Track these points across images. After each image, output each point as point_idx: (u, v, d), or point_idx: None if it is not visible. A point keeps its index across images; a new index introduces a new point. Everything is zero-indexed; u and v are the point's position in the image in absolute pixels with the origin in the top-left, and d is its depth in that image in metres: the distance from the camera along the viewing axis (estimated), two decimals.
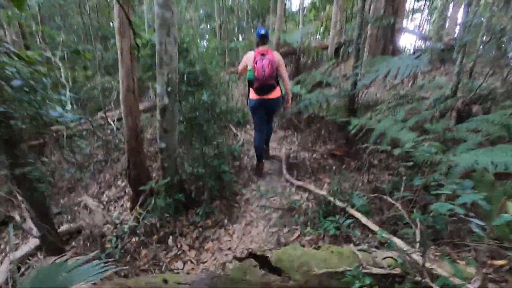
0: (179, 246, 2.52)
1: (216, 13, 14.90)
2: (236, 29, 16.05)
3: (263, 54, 3.18)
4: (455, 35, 7.16)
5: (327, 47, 7.44)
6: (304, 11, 9.25)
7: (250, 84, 3.38)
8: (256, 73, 3.15)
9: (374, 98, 4.89)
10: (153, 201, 2.56)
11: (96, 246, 2.61)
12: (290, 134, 5.27)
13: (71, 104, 5.95)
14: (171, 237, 2.61)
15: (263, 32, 3.24)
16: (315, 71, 5.78)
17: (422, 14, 10.07)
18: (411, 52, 8.50)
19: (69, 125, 2.86)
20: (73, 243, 2.74)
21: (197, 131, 3.10)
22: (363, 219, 2.34)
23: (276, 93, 3.35)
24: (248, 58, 3.32)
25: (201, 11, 16.79)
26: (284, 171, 3.73)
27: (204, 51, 5.81)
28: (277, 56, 3.27)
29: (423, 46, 8.58)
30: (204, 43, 15.70)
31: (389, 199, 2.37)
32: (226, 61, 9.15)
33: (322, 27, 8.92)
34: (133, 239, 2.65)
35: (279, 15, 6.98)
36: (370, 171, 3.55)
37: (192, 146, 3.20)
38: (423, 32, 10.16)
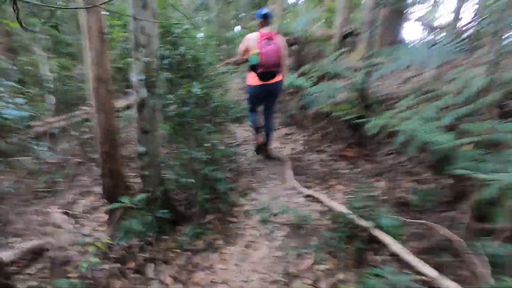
0: (161, 278, 1.99)
1: (213, 1, 14.21)
2: (233, 20, 15.38)
3: (268, 38, 3.01)
4: (470, 23, 6.60)
5: (332, 37, 6.87)
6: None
7: (253, 68, 3.14)
8: (263, 58, 2.98)
9: (387, 92, 4.36)
10: (128, 222, 2.03)
11: (58, 275, 2.09)
12: (294, 132, 4.74)
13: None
14: (152, 265, 2.08)
15: (265, 11, 3.08)
16: (321, 61, 5.23)
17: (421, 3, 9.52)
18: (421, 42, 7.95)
19: (18, 124, 2.29)
20: (30, 269, 2.20)
21: (186, 131, 2.56)
22: (396, 247, 1.82)
23: (278, 77, 3.25)
24: (251, 41, 3.10)
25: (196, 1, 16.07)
26: (290, 176, 3.21)
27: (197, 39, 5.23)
28: (281, 42, 3.14)
29: (432, 37, 8.02)
30: (201, 34, 15.03)
31: (429, 223, 1.85)
32: (223, 52, 8.55)
33: (326, 15, 8.34)
34: (105, 267, 2.12)
35: (279, 2, 6.39)
36: (392, 177, 3.05)
37: (179, 149, 2.66)
38: (428, 21, 9.63)
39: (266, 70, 3.08)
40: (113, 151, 2.39)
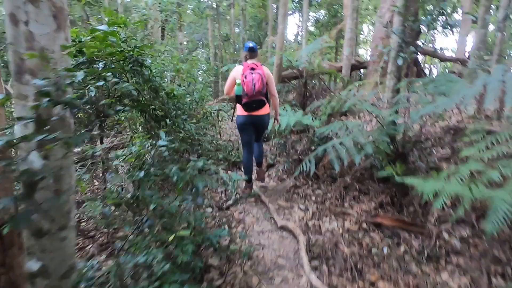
0: None
1: (210, 40, 14.05)
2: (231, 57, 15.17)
3: (252, 68, 3.00)
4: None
5: (339, 69, 6.17)
6: (303, 34, 8.17)
7: (238, 99, 3.11)
8: (245, 87, 2.97)
9: (426, 132, 3.47)
10: None
11: None
12: (304, 184, 3.74)
13: None
14: None
15: (251, 45, 3.16)
16: (331, 96, 4.40)
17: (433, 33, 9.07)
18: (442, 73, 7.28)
19: None
20: None
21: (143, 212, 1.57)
22: None
23: (265, 110, 3.20)
24: (237, 72, 3.10)
25: (195, 38, 16.01)
26: (305, 265, 2.15)
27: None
28: (266, 71, 3.13)
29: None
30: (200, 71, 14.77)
31: None
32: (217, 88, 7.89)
33: (331, 45, 7.79)
34: None
35: (280, 33, 5.77)
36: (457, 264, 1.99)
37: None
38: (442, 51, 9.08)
39: (250, 99, 3.01)
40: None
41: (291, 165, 4.21)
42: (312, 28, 16.10)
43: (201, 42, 15.81)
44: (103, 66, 1.93)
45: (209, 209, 3.13)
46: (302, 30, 15.68)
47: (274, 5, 11.49)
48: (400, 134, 2.78)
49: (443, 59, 8.02)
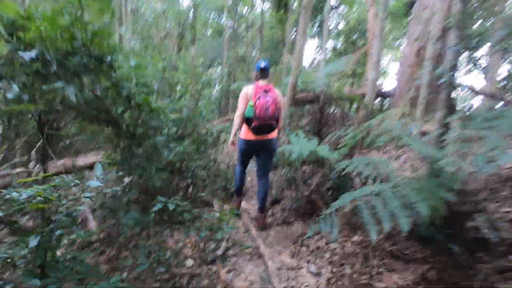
0: None
1: (224, 59, 13.79)
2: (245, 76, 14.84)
3: (266, 91, 2.79)
4: None
5: (362, 95, 5.49)
6: (326, 55, 7.61)
7: (248, 122, 2.91)
8: (258, 110, 2.73)
9: (478, 184, 2.68)
10: None
11: None
12: (316, 233, 2.94)
13: None
14: None
15: (263, 65, 2.94)
16: (357, 125, 3.68)
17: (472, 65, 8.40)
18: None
19: None
20: None
21: None
22: None
23: (275, 133, 3.02)
24: (249, 93, 2.88)
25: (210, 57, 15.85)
26: None
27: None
28: (279, 94, 2.95)
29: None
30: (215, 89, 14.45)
31: None
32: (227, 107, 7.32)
33: (353, 68, 7.19)
34: None
35: (298, 50, 5.18)
36: None
37: None
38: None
39: (261, 123, 2.81)
40: None
41: (300, 204, 3.43)
42: (328, 56, 15.74)
43: (217, 61, 15.58)
44: (35, 56, 1.28)
45: (190, 262, 2.36)
46: (320, 55, 15.35)
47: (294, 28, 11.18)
48: (457, 186, 2.00)
49: (476, 91, 7.27)
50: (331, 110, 5.20)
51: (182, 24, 8.70)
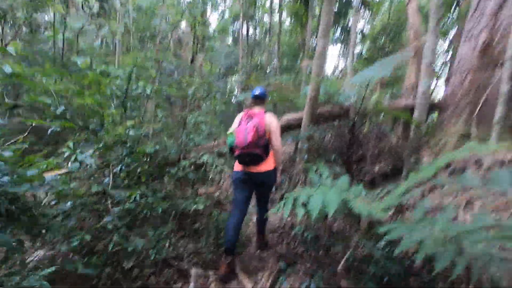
0: None
1: (240, 67, 12.81)
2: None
3: (250, 116, 2.54)
4: None
5: (408, 109, 4.12)
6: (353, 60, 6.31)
7: (231, 151, 2.60)
8: (236, 138, 2.48)
9: None
10: None
11: None
12: None
13: None
14: None
15: (257, 92, 2.70)
16: (409, 161, 2.39)
17: None
18: None
19: None
20: None
21: None
22: None
23: (265, 166, 2.54)
24: (234, 123, 2.67)
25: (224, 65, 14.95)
26: None
27: None
28: (268, 119, 2.55)
29: None
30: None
31: None
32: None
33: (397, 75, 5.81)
34: None
35: (320, 52, 3.95)
36: None
37: None
38: None
39: (243, 152, 2.44)
40: None
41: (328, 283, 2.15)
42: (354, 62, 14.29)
43: (232, 68, 14.63)
44: None
45: None
46: (343, 61, 14.01)
47: (315, 34, 9.96)
48: None
49: None
50: (365, 128, 3.88)
51: (193, 28, 7.79)
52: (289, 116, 4.48)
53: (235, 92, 14.58)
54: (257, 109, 2.60)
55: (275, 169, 2.60)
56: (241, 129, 2.44)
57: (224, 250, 2.46)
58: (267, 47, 13.85)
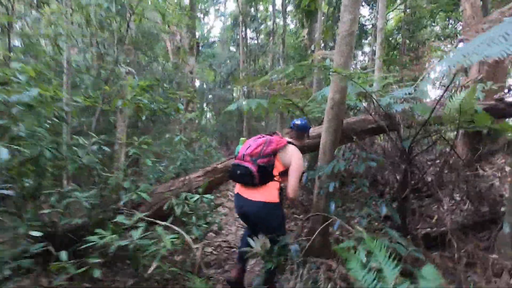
0: None
1: (241, 73, 11.55)
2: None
3: (270, 135, 2.24)
4: None
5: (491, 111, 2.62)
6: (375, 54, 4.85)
7: None
8: (242, 146, 2.23)
9: None
10: None
11: None
12: None
13: None
14: None
15: (297, 122, 2.41)
16: None
17: None
18: None
19: None
20: None
21: None
22: None
23: (260, 194, 2.05)
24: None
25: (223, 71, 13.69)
26: None
27: None
28: (290, 150, 2.16)
29: None
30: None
31: None
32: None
33: None
34: None
35: (346, 31, 2.51)
36: None
37: None
38: None
39: (235, 163, 2.16)
40: None
41: None
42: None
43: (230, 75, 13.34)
44: None
45: None
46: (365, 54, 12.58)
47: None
48: None
49: None
50: (437, 151, 2.39)
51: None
52: None
53: (239, 101, 13.27)
54: (275, 134, 2.28)
55: (276, 206, 2.07)
56: (250, 140, 2.24)
57: (237, 257, 2.49)
58: (271, 49, 12.52)
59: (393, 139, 2.40)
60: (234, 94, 15.35)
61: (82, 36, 2.95)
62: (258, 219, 2.07)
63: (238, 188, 2.19)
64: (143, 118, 2.28)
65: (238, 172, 2.08)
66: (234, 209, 5.54)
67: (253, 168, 2.02)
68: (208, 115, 18.20)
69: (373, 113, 2.61)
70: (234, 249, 3.36)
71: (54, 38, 2.99)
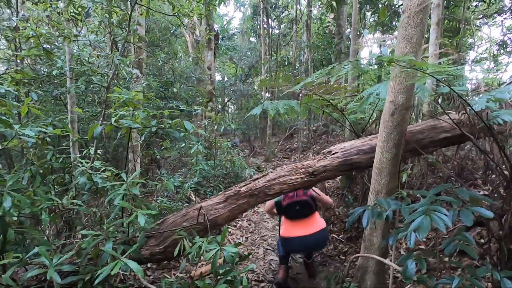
0: None
1: (262, 66, 10.84)
2: None
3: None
4: None
5: None
6: None
7: (279, 208, 2.64)
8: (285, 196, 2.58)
9: None
10: None
11: None
12: None
13: None
14: None
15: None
16: None
17: None
18: None
19: None
20: None
21: None
22: None
23: (317, 223, 2.52)
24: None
25: (244, 64, 13.00)
26: None
27: None
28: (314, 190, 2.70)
29: None
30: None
31: None
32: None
33: None
34: None
35: (413, 9, 1.78)
36: None
37: None
38: None
39: (292, 199, 2.57)
40: None
41: None
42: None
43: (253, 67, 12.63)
44: None
45: None
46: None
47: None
48: None
49: None
50: None
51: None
52: (347, 146, 2.34)
53: (262, 96, 12.56)
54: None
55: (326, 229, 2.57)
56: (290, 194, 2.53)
57: (279, 259, 2.73)
58: (294, 38, 11.66)
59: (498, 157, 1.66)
60: (256, 88, 14.66)
61: (74, 37, 2.42)
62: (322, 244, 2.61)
63: (291, 229, 2.49)
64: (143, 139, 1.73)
65: (299, 208, 2.51)
66: (258, 224, 4.69)
67: (307, 198, 2.56)
68: (230, 109, 17.70)
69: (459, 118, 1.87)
70: (264, 285, 2.79)
71: (49, 38, 2.49)
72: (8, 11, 3.69)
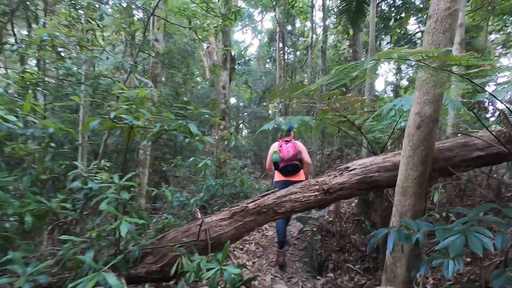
0: None
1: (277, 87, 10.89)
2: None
3: (286, 141, 3.50)
4: None
5: None
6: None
7: (276, 166, 3.55)
8: (281, 154, 3.42)
9: None
10: None
11: None
12: None
13: None
14: None
15: (288, 127, 3.53)
16: None
17: None
18: None
19: None
20: None
21: None
22: None
23: (300, 176, 3.48)
24: (273, 147, 3.61)
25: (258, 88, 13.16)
26: None
27: None
28: (299, 144, 3.54)
29: None
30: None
31: None
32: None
33: None
34: None
35: (441, 13, 1.66)
36: None
37: None
38: None
39: (287, 163, 3.39)
40: None
41: None
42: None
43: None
44: None
45: None
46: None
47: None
48: None
49: None
50: None
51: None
52: (367, 163, 2.13)
53: (276, 119, 12.53)
54: (289, 138, 3.53)
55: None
56: (284, 149, 3.40)
57: (277, 245, 3.46)
58: (309, 63, 11.78)
59: None
60: (270, 111, 14.69)
61: (91, 45, 2.43)
62: None
63: (282, 176, 3.43)
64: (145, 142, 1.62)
65: (290, 168, 3.37)
66: (266, 248, 4.53)
67: (297, 162, 3.39)
68: (244, 132, 17.74)
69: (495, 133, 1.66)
70: None
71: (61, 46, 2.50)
72: (35, 26, 3.86)
